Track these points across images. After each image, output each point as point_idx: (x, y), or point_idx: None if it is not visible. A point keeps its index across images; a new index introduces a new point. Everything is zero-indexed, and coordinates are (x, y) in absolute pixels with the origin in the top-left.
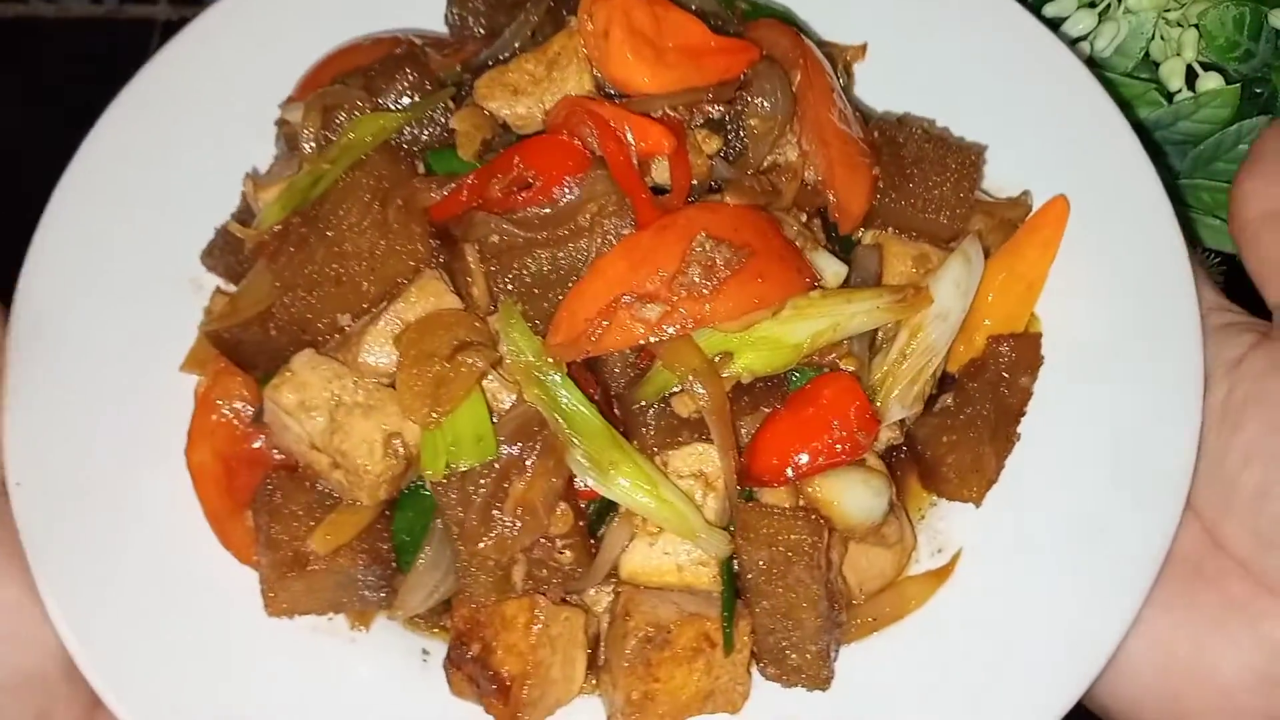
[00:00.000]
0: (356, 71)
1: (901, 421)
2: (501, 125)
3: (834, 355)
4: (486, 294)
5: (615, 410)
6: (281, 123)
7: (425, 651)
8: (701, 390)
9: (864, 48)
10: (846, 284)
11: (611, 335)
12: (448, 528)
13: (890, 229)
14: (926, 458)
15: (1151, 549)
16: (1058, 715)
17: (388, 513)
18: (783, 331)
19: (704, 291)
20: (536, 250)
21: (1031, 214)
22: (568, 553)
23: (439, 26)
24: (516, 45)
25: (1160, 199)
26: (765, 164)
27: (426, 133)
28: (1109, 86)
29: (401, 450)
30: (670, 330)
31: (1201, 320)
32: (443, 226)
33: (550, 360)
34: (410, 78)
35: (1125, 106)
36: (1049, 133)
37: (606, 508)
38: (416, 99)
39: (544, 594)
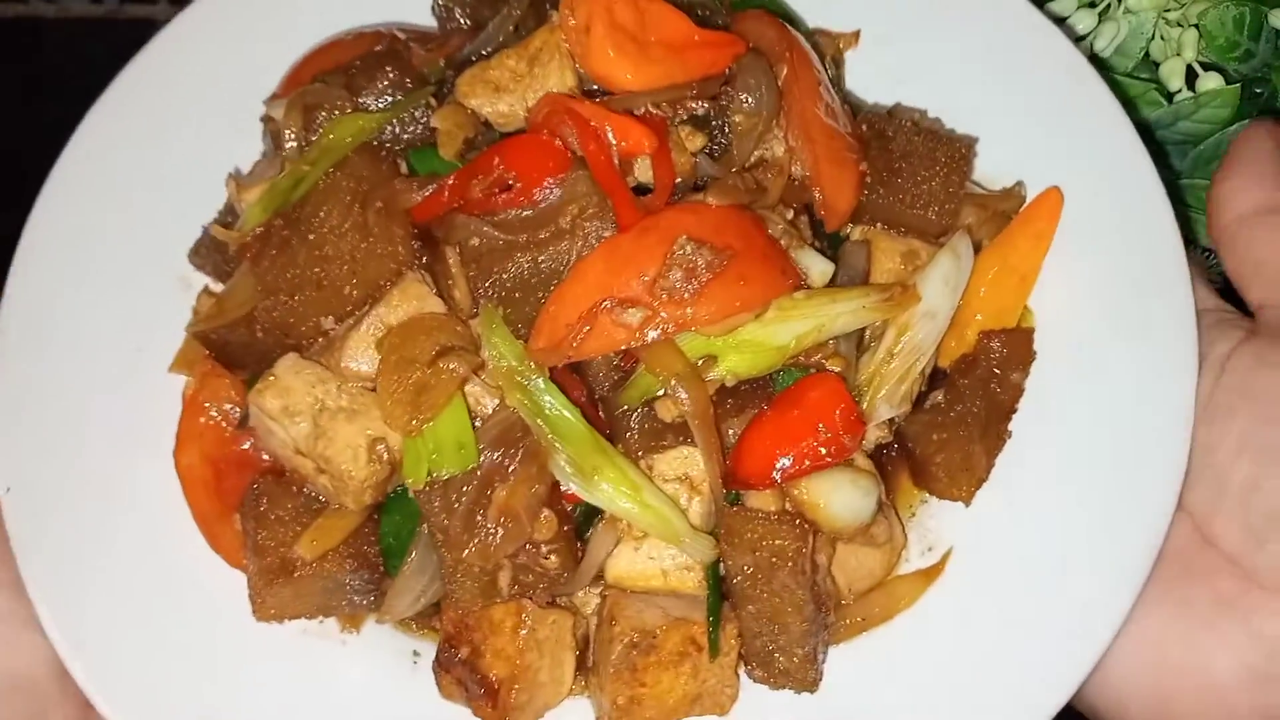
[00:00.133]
0: (338, 69)
1: (890, 420)
2: (483, 123)
3: (820, 355)
4: (469, 296)
5: (600, 413)
6: (267, 119)
7: (415, 653)
8: (684, 395)
9: (857, 35)
10: (833, 282)
11: (593, 340)
12: (432, 534)
13: (878, 224)
14: (916, 455)
15: (1143, 548)
16: (1049, 715)
17: (375, 516)
18: (767, 334)
19: (686, 295)
20: (517, 253)
21: (1025, 206)
22: (553, 558)
23: (428, 18)
24: (500, 40)
25: (1157, 191)
26: (751, 160)
27: (408, 132)
28: (1110, 85)
29: (386, 456)
30: (652, 335)
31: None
32: (425, 227)
33: (532, 365)
34: (391, 76)
35: (1126, 106)
36: (1045, 123)
37: (593, 510)
38: (398, 97)
39: (531, 598)
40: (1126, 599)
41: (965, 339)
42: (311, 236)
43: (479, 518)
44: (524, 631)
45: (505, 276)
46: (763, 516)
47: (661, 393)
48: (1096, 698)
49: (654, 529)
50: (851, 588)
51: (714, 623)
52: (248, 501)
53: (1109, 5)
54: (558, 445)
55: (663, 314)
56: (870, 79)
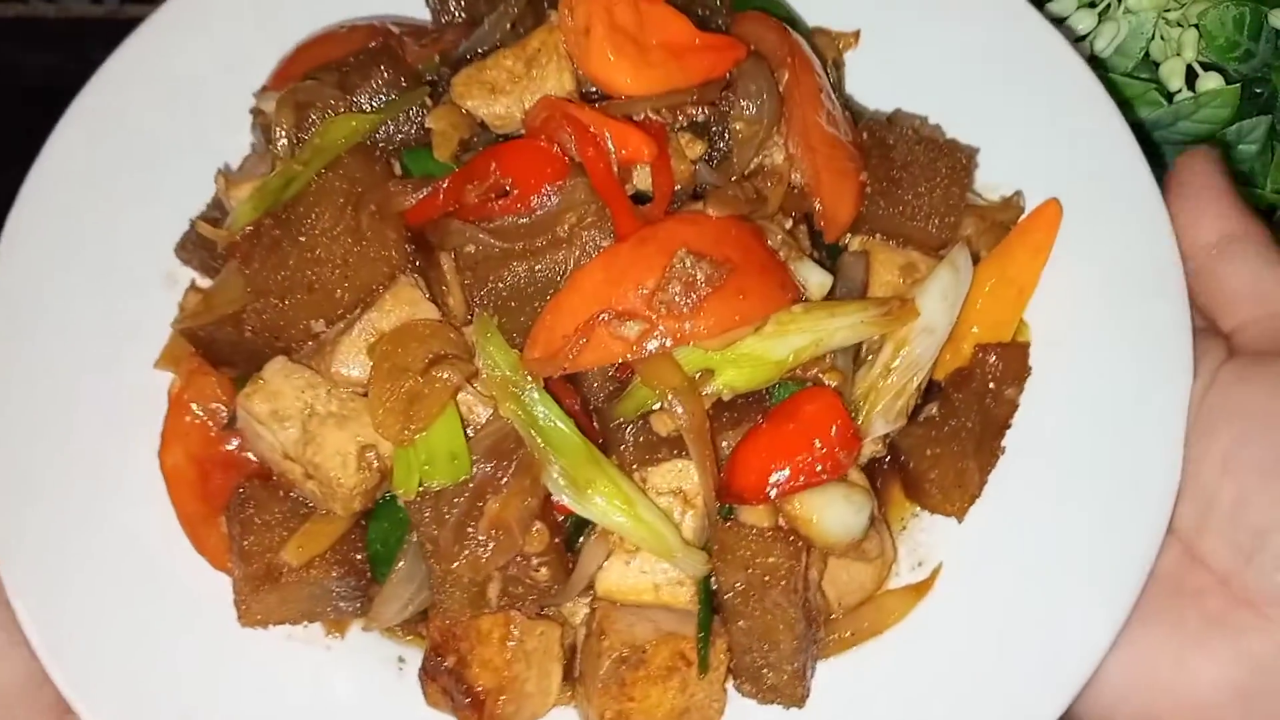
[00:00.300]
0: (330, 66)
1: (885, 435)
2: (479, 124)
3: (817, 369)
4: (463, 303)
5: (594, 425)
6: (257, 112)
7: (401, 659)
8: (680, 409)
9: (857, 35)
10: (832, 294)
11: (590, 352)
12: (422, 544)
13: (878, 235)
14: (910, 470)
15: (1135, 567)
16: None
17: (362, 522)
18: (765, 348)
19: (684, 309)
20: (513, 262)
21: (1023, 217)
22: (543, 570)
23: (422, 10)
24: (496, 38)
25: (1157, 208)
26: (750, 168)
27: (402, 132)
28: (1109, 86)
29: (375, 463)
30: (649, 348)
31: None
32: (419, 231)
33: (527, 376)
34: (385, 75)
35: (1125, 106)
36: (1046, 132)
37: (585, 521)
38: (392, 97)
39: (519, 609)
40: (1117, 618)
41: (961, 352)
42: (303, 238)
43: (470, 529)
44: (511, 642)
45: (501, 285)
46: (756, 533)
47: (657, 406)
48: (1086, 716)
49: (646, 544)
50: (841, 602)
51: (704, 639)
52: (234, 505)
53: (1109, 5)
54: (551, 457)
55: (661, 327)
56: (869, 81)
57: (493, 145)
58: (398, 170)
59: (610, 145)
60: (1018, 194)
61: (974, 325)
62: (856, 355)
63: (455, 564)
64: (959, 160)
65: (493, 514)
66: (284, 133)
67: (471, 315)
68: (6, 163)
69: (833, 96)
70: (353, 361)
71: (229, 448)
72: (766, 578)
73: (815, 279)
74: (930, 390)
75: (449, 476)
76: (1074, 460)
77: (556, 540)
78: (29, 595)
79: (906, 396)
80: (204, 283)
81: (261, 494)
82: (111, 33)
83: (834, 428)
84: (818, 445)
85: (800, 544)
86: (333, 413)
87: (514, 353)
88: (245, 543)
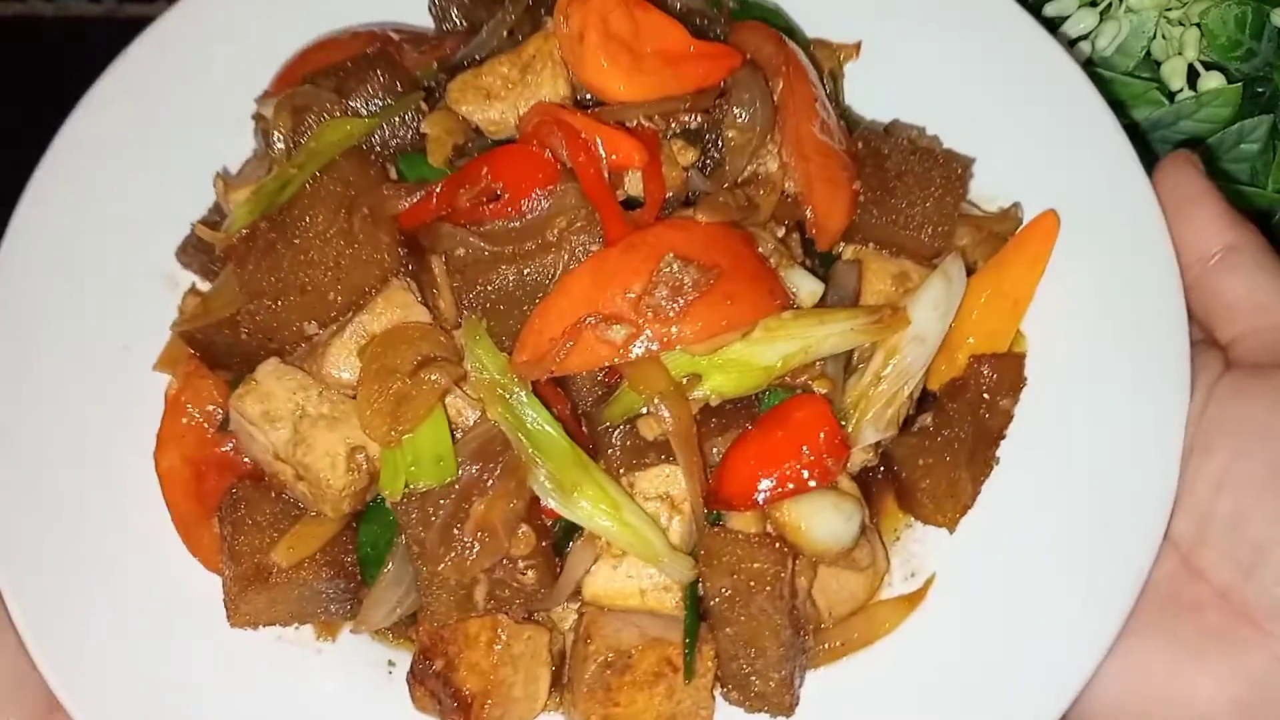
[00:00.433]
0: (328, 71)
1: (877, 443)
2: (474, 130)
3: (806, 376)
4: (453, 307)
5: (582, 428)
6: (258, 117)
7: (391, 663)
8: (667, 414)
9: (858, 47)
10: (823, 302)
11: (577, 356)
12: (409, 546)
13: (870, 244)
14: (902, 479)
15: (1128, 579)
16: None
17: (353, 525)
18: (752, 354)
19: (671, 313)
20: (503, 265)
21: (1021, 228)
22: (530, 573)
23: (424, 18)
24: (493, 45)
25: (1155, 220)
26: (743, 175)
27: (397, 136)
28: (1109, 88)
29: (365, 465)
30: (636, 352)
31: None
32: (411, 235)
33: (515, 379)
34: (381, 79)
35: (1126, 106)
36: (1043, 142)
37: (573, 525)
38: (388, 101)
39: (507, 613)
40: (1110, 630)
41: (956, 362)
42: (297, 241)
43: (456, 531)
44: (499, 646)
45: (490, 288)
46: (742, 539)
47: (645, 410)
48: None
49: (633, 548)
50: (832, 611)
51: (690, 644)
52: (226, 506)
53: (1110, 4)
54: (538, 460)
55: (647, 331)
56: (868, 92)
57: (486, 150)
58: (392, 175)
59: (601, 151)
60: (1015, 205)
61: (969, 336)
62: (847, 363)
63: (441, 566)
64: (954, 170)
65: (479, 516)
66: (282, 137)
67: (461, 318)
68: (7, 164)
69: (828, 106)
70: (344, 363)
71: (224, 450)
72: (752, 583)
73: (806, 286)
74: (924, 400)
75: (435, 478)
76: (1068, 471)
77: (544, 544)
78: (21, 591)
79: (897, 405)
80: (204, 286)
81: (253, 495)
82: (110, 32)
83: (822, 435)
84: (806, 452)
85: (786, 550)
86: (324, 414)
87: (502, 356)
88: (236, 542)
